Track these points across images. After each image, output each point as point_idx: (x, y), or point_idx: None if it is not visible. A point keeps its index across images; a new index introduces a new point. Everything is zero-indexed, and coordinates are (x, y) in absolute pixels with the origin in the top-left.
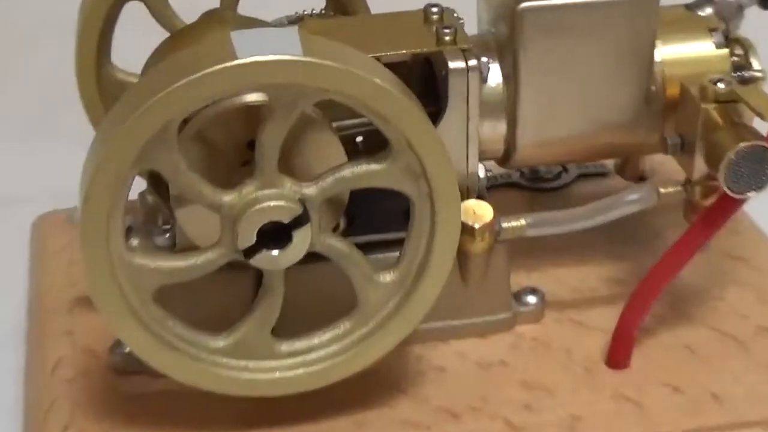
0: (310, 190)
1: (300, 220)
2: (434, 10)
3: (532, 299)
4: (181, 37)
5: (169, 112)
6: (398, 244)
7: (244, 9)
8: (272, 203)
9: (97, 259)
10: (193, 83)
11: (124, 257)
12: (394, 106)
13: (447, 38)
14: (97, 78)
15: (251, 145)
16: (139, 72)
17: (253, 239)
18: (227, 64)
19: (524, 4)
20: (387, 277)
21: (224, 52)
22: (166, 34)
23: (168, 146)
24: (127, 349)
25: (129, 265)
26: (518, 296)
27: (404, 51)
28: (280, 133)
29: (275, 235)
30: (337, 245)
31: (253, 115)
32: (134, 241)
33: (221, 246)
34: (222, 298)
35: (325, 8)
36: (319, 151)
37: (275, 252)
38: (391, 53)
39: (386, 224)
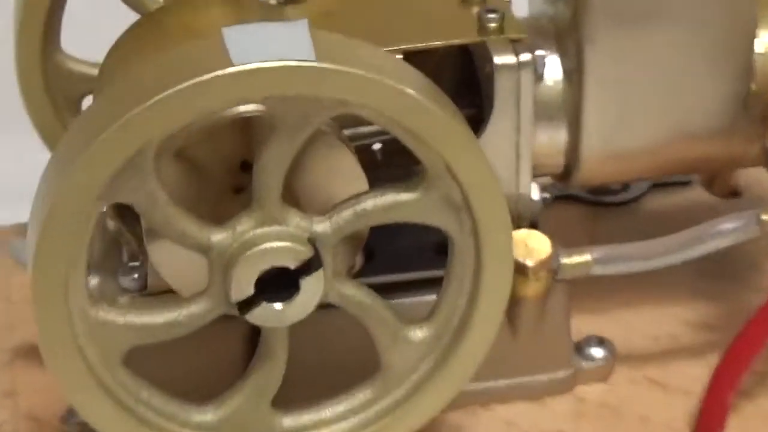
0: (322, 227)
1: (310, 265)
2: None
3: (598, 352)
4: (154, 24)
5: (145, 133)
6: (428, 285)
7: None
8: (275, 244)
9: (52, 316)
10: (176, 97)
11: (87, 312)
12: (433, 123)
13: (492, 25)
14: (42, 68)
15: (246, 166)
16: (96, 59)
17: (251, 290)
18: (219, 73)
19: None
20: (419, 334)
21: (215, 54)
22: (127, 10)
23: (143, 175)
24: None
25: (92, 321)
26: (580, 348)
27: (436, 42)
28: (285, 156)
29: (277, 283)
30: (355, 295)
31: (248, 127)
32: (93, 281)
33: (209, 297)
34: (208, 357)
35: None
36: (331, 173)
37: (278, 305)
38: (420, 44)
39: (413, 261)
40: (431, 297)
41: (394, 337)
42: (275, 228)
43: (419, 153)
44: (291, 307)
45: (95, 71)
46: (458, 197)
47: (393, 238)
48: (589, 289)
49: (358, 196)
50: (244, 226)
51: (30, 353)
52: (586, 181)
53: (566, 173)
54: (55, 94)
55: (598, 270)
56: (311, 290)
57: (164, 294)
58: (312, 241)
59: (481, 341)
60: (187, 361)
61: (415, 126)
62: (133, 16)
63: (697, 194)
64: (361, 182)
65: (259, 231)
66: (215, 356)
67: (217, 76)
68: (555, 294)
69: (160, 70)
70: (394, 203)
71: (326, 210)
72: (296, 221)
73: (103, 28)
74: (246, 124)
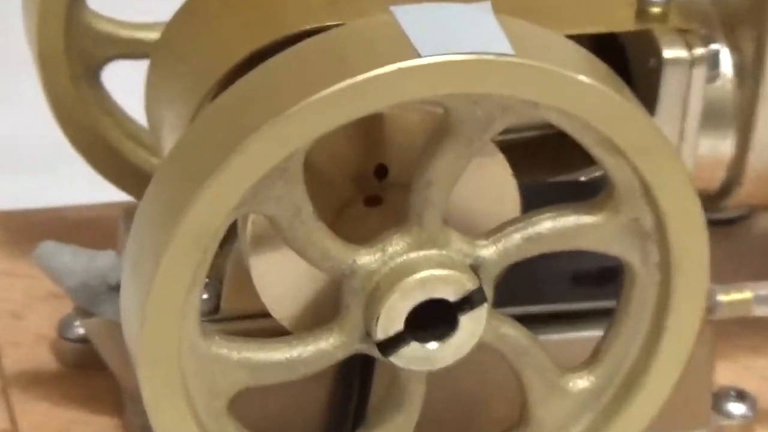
0: (487, 252)
1: (472, 298)
2: None
3: (737, 408)
4: None
5: (304, 134)
6: (562, 321)
7: None
8: (437, 272)
9: (162, 348)
10: (347, 91)
11: (197, 345)
12: (637, 134)
13: (654, 10)
14: (65, 26)
15: (382, 171)
16: (124, 17)
17: (400, 326)
18: (403, 65)
19: None
20: (579, 385)
21: (393, 41)
22: None
23: (291, 182)
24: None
25: (203, 358)
26: (717, 402)
27: (595, 28)
28: (457, 167)
29: (427, 318)
30: (514, 335)
31: (386, 124)
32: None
33: (341, 331)
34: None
35: None
36: (484, 187)
37: (432, 346)
38: (574, 30)
39: (544, 291)
40: (569, 335)
41: (550, 388)
42: (434, 252)
43: (610, 167)
44: (445, 348)
45: (125, 33)
46: (649, 223)
47: (519, 263)
48: (725, 331)
49: (530, 217)
50: (397, 248)
51: (26, 380)
52: (744, 201)
53: (724, 190)
54: (75, 58)
55: (759, 311)
56: (471, 328)
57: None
58: (475, 269)
59: (657, 396)
60: (281, 405)
61: (616, 135)
62: None
63: None
64: (515, 199)
65: (415, 255)
66: (301, 399)
67: (401, 68)
68: (703, 337)
69: (318, 55)
70: (573, 227)
71: (472, 231)
72: (458, 245)
73: None
74: (383, 120)
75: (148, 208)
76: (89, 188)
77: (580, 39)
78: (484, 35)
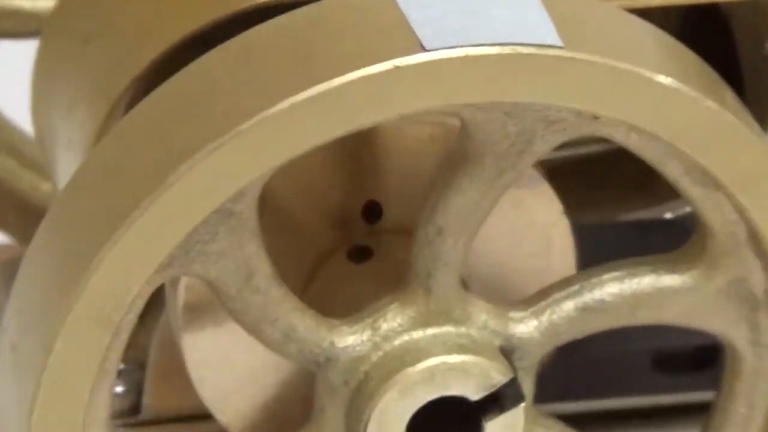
0: (525, 329)
1: (503, 396)
2: None
3: None
4: None
5: (260, 162)
6: (642, 418)
7: None
8: (452, 359)
9: None
10: (318, 102)
11: None
12: (744, 160)
13: None
14: None
15: (373, 212)
16: None
17: None
18: (401, 62)
19: None
20: None
21: (388, 30)
22: None
23: (241, 232)
24: None
25: None
26: None
27: None
28: (483, 207)
29: (437, 425)
30: None
31: (379, 144)
32: None
33: None
34: None
35: None
36: (522, 234)
37: None
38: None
39: (616, 380)
40: None
41: None
42: (448, 330)
43: (703, 205)
44: None
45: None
46: (762, 286)
47: (581, 341)
48: None
49: (586, 278)
50: (393, 324)
51: None
52: None
53: None
54: None
55: None
56: None
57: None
58: (507, 353)
59: None
60: None
61: (713, 161)
62: None
63: None
64: (567, 250)
65: (420, 334)
66: None
67: (398, 67)
68: None
69: (279, 47)
70: (651, 293)
71: (506, 298)
72: (483, 319)
73: None
74: (375, 138)
75: (34, 268)
76: None
77: (664, 16)
78: (518, 18)
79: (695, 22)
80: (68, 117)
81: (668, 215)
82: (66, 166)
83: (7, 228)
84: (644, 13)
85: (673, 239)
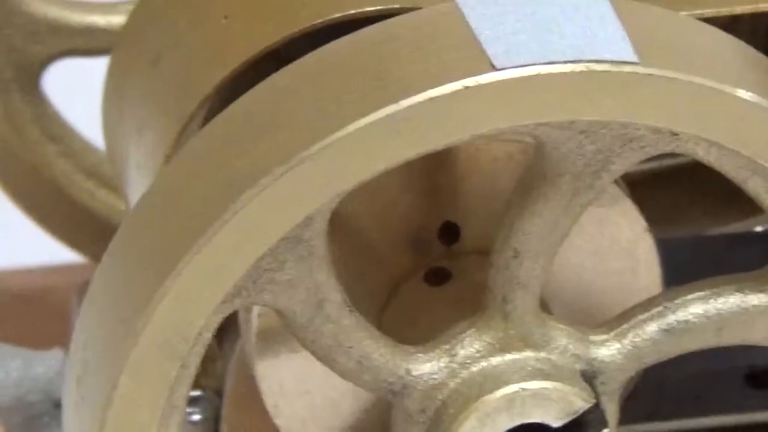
0: (607, 352)
1: (585, 423)
2: None
3: None
4: None
5: (329, 187)
6: None
7: None
8: (531, 386)
9: None
10: (385, 125)
11: None
12: None
13: None
14: None
15: (450, 233)
16: None
17: None
18: (470, 81)
19: None
20: None
21: (456, 48)
22: None
23: (310, 259)
24: None
25: None
26: None
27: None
28: (560, 228)
29: None
30: None
31: (455, 164)
32: None
33: None
34: None
35: None
36: (603, 253)
37: None
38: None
39: (708, 397)
40: None
41: None
42: (529, 355)
43: None
44: None
45: (76, 19)
46: None
47: (670, 361)
48: None
49: (669, 299)
50: (471, 350)
51: None
52: None
53: None
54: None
55: None
56: None
57: None
58: (589, 377)
59: None
60: None
61: None
62: None
63: None
64: (651, 268)
65: (500, 359)
66: None
67: (467, 87)
68: None
69: (346, 69)
70: (738, 312)
71: (588, 320)
72: (563, 343)
73: None
74: (453, 157)
75: (99, 298)
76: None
77: (751, 32)
78: (592, 33)
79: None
80: (138, 139)
81: (759, 228)
82: (136, 189)
83: (87, 252)
84: (731, 29)
85: (765, 253)
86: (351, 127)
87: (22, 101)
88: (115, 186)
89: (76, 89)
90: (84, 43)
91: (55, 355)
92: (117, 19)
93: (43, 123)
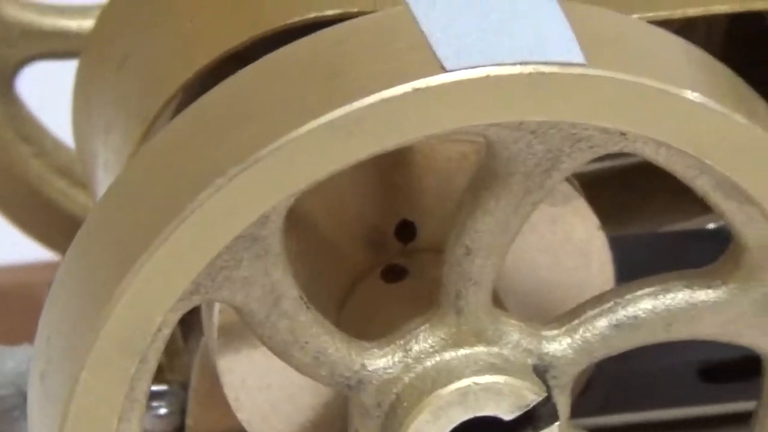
0: (558, 347)
1: (536, 416)
2: None
3: None
4: None
5: (283, 186)
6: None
7: None
8: (482, 380)
9: None
10: (338, 126)
11: None
12: None
13: None
14: None
15: (406, 231)
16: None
17: None
18: (420, 83)
19: None
20: None
21: (407, 50)
22: None
23: (266, 257)
24: None
25: None
26: None
27: (714, 6)
28: (511, 225)
29: None
30: None
31: (411, 163)
32: None
33: None
34: None
35: None
36: (556, 250)
37: None
38: (677, 12)
39: (661, 391)
40: None
41: None
42: (480, 350)
43: (735, 220)
44: None
45: (47, 22)
46: None
47: (624, 355)
48: None
49: (619, 295)
50: (425, 345)
51: None
52: None
53: None
54: None
55: None
56: None
57: None
58: (540, 371)
59: None
60: None
61: (744, 176)
62: None
63: None
64: (604, 265)
65: (452, 354)
66: None
67: (417, 89)
68: None
69: (300, 71)
70: (685, 308)
71: (541, 315)
72: (515, 338)
73: None
74: (409, 156)
75: (60, 297)
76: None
77: (706, 36)
78: (540, 35)
79: (742, 27)
80: (105, 139)
81: (710, 226)
82: (103, 188)
83: (58, 248)
84: (686, 32)
85: (718, 249)
86: (304, 129)
87: None
88: (86, 185)
89: (49, 91)
90: (57, 46)
91: (25, 349)
92: (88, 23)
93: (16, 124)
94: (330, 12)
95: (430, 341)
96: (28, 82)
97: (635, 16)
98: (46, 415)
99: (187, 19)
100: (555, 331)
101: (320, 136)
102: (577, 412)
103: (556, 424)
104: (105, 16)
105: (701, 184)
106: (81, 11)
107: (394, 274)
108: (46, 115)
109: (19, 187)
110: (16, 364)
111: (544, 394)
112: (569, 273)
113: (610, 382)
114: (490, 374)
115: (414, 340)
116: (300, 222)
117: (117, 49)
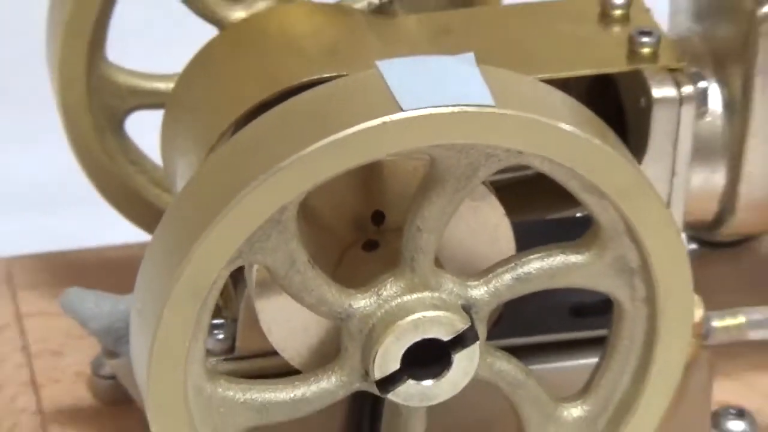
0: (478, 292)
1: (464, 338)
2: (618, 1)
3: (737, 426)
4: (246, 37)
5: (295, 187)
6: (561, 350)
7: None
8: (429, 314)
9: (168, 393)
10: (335, 145)
11: (203, 388)
12: (619, 178)
13: (645, 50)
14: (87, 79)
15: (379, 218)
16: (145, 69)
17: (396, 365)
18: (388, 119)
19: None
20: (573, 413)
21: (377, 96)
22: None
23: (285, 234)
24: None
25: (208, 399)
26: (717, 421)
27: (583, 70)
28: (446, 213)
29: (422, 357)
30: (509, 370)
31: (380, 172)
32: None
33: (341, 371)
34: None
35: None
36: (477, 228)
37: (428, 383)
38: (563, 73)
39: (544, 323)
40: (564, 363)
41: (546, 418)
42: (427, 294)
43: (595, 209)
44: (440, 385)
45: (146, 84)
46: (635, 260)
47: (522, 297)
48: (729, 350)
49: (518, 258)
50: (390, 292)
51: (64, 416)
52: (737, 231)
53: (717, 221)
54: (98, 111)
55: (753, 335)
56: (464, 366)
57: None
58: (466, 309)
59: (648, 423)
60: None
61: (599, 180)
62: (181, 17)
63: None
64: (509, 240)
65: (408, 297)
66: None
67: (384, 123)
68: (699, 362)
69: (306, 112)
70: (561, 267)
71: (468, 272)
72: (449, 287)
73: (153, 35)
74: (380, 168)
75: (150, 260)
76: (130, 228)
77: (576, 82)
78: (465, 87)
79: (600, 84)
80: (182, 161)
81: (579, 214)
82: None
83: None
84: (563, 84)
85: (583, 229)
86: (309, 149)
87: (112, 139)
88: (170, 190)
89: (148, 130)
90: (152, 100)
91: (131, 297)
92: (172, 85)
93: (126, 152)
94: (327, 75)
95: (394, 289)
96: (134, 123)
97: (530, 77)
98: (143, 338)
99: (232, 81)
100: (476, 282)
101: (320, 154)
102: (490, 336)
103: (477, 343)
104: (181, 81)
105: (572, 186)
106: (168, 77)
107: (370, 246)
108: (145, 145)
109: (129, 194)
110: (127, 306)
111: (469, 324)
112: (484, 245)
113: (512, 315)
114: (434, 311)
115: (383, 288)
116: (307, 210)
117: (188, 101)
